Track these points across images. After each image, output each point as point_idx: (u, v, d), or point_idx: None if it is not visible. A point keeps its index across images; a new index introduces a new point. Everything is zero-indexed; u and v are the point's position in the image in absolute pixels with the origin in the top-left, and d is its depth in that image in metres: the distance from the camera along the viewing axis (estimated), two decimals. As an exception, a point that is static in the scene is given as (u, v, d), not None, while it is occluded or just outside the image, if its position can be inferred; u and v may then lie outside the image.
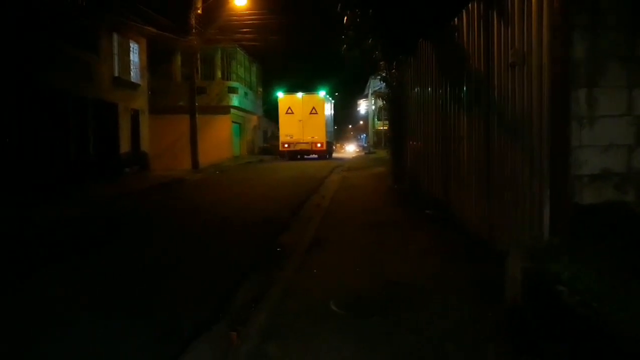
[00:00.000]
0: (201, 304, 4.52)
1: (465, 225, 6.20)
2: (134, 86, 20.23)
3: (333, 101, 34.51)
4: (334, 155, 35.01)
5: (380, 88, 22.20)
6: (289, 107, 29.68)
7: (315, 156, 29.90)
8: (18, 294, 4.97)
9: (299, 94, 30.30)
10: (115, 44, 18.73)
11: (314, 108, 29.47)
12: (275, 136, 39.18)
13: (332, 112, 34.51)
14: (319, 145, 29.51)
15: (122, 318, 4.21)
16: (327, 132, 30.45)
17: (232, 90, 30.26)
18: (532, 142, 4.26)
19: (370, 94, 49.31)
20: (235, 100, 30.46)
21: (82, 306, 4.50)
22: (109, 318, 4.20)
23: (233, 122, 31.34)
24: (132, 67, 20.13)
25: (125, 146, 19.29)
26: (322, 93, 30.73)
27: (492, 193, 5.30)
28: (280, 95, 30.61)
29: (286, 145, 29.69)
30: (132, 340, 3.77)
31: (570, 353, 2.69)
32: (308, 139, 29.31)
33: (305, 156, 29.97)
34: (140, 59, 20.88)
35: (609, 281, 2.91)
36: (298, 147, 29.46)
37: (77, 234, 8.20)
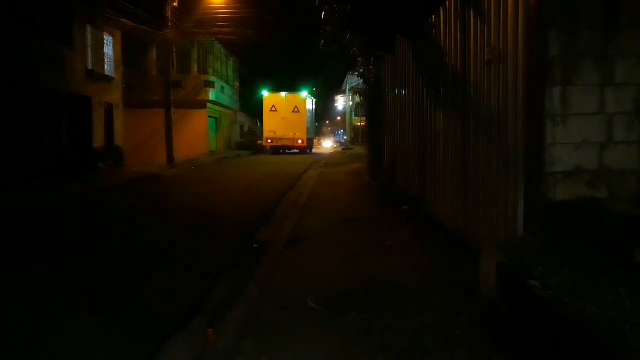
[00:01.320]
0: (178, 301, 4.47)
1: (442, 221, 6.26)
2: (108, 79, 19.85)
3: (314, 99, 36.17)
4: (313, 150, 36.49)
5: (358, 84, 22.24)
6: (273, 105, 31.63)
7: (297, 151, 32.05)
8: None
9: (283, 94, 32.39)
10: (89, 36, 18.34)
11: (296, 107, 31.62)
12: (252, 131, 39.66)
13: (314, 108, 36.62)
14: (300, 141, 31.67)
15: (97, 317, 4.13)
16: (307, 129, 32.65)
17: (209, 84, 29.95)
18: (508, 139, 4.32)
19: (347, 90, 49.34)
20: (211, 95, 30.17)
21: (56, 306, 4.41)
22: (85, 317, 4.13)
23: (209, 116, 31.04)
24: (106, 60, 19.74)
25: (98, 141, 18.93)
26: (304, 93, 32.92)
27: (467, 190, 5.36)
28: (265, 93, 32.53)
29: (270, 141, 31.79)
30: (108, 338, 3.72)
31: (545, 347, 2.74)
32: (290, 135, 31.28)
33: (287, 151, 32.00)
34: (114, 51, 20.49)
35: (580, 277, 2.97)
36: (281, 143, 31.53)
37: (44, 232, 8.00)
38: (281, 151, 31.92)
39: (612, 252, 3.26)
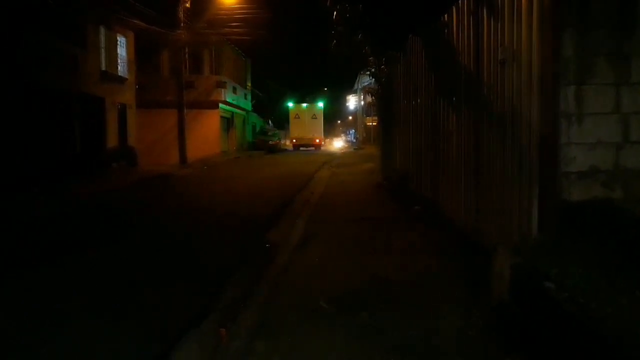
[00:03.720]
0: (190, 301, 4.49)
1: (454, 221, 6.22)
2: (121, 80, 20.00)
3: (323, 105, 44.97)
4: (324, 149, 42.73)
5: (370, 84, 22.21)
6: (297, 114, 41.86)
7: (313, 148, 40.88)
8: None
9: (304, 105, 43.08)
10: (103, 37, 18.49)
11: (314, 114, 41.79)
12: (264, 131, 41.57)
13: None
14: (317, 140, 41.64)
15: (110, 316, 4.18)
16: (323, 131, 42.98)
17: (221, 84, 30.06)
18: (521, 139, 4.28)
19: (359, 90, 49.38)
20: (223, 95, 30.28)
21: (66, 305, 4.46)
22: (98, 316, 4.17)
23: (221, 116, 31.18)
24: (119, 60, 19.89)
25: (112, 141, 19.09)
26: (320, 104, 43.38)
27: (480, 190, 5.32)
28: (290, 104, 43.27)
29: (294, 140, 41.87)
30: (121, 338, 3.75)
31: (559, 349, 2.71)
32: (310, 136, 41.22)
33: (307, 148, 40.89)
34: (127, 52, 20.64)
35: (595, 278, 2.94)
36: (303, 142, 41.15)
37: (58, 231, 8.09)
38: (302, 148, 40.75)
39: (628, 253, 3.22)
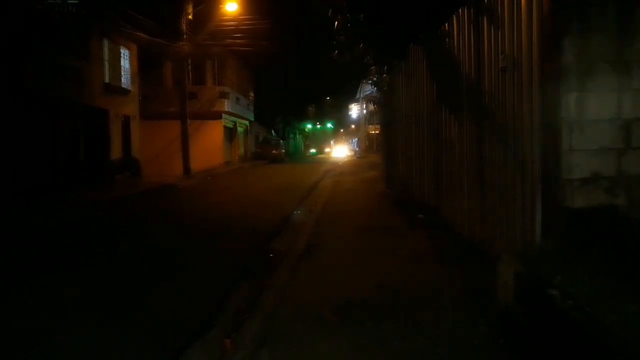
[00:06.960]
0: (195, 311, 4.49)
1: (457, 229, 6.21)
2: (125, 92, 20.12)
3: (330, 127, 67.44)
4: (327, 157, 47.75)
5: (372, 92, 22.27)
6: (314, 132, 62.23)
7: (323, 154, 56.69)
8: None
9: (318, 126, 63.61)
10: (106, 49, 18.63)
11: (325, 132, 60.98)
12: (267, 140, 41.41)
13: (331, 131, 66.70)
14: (327, 150, 58.39)
15: (114, 326, 4.17)
16: (331, 143, 59.78)
17: (224, 95, 30.12)
18: (524, 146, 4.28)
19: (361, 98, 49.51)
20: (226, 105, 30.38)
21: (70, 316, 4.46)
22: (101, 327, 4.17)
23: (225, 127, 31.26)
24: (122, 72, 20.01)
25: (116, 152, 19.18)
26: (329, 124, 65.57)
27: (483, 197, 5.32)
28: (309, 126, 61.47)
29: (312, 150, 60.22)
30: (125, 348, 3.75)
31: (563, 356, 2.70)
32: (322, 146, 56.32)
33: (319, 155, 55.99)
34: (131, 64, 20.77)
35: (600, 285, 2.93)
36: (318, 150, 58.68)
37: (62, 242, 8.10)
38: (319, 156, 55.81)
39: (632, 260, 3.21)
